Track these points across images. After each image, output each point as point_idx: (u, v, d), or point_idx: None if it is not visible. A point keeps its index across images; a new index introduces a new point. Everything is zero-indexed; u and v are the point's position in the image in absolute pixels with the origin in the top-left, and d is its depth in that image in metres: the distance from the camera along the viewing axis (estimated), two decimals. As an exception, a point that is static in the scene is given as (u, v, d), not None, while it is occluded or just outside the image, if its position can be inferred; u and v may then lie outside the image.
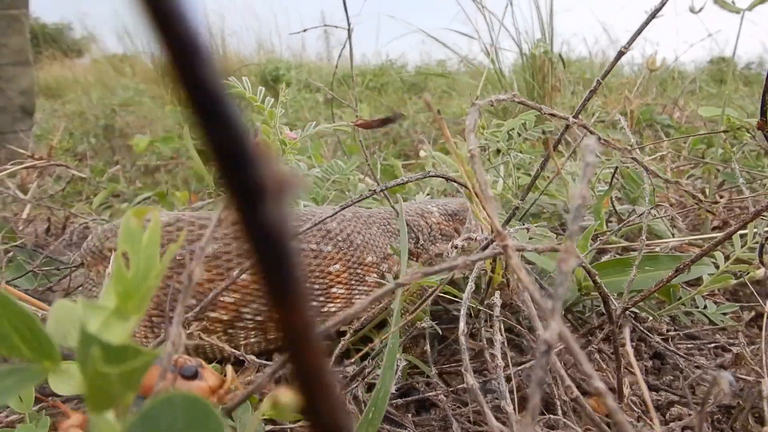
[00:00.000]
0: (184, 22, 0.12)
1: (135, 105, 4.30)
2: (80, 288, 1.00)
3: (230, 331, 0.80)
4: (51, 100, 5.42)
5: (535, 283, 0.30)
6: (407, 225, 0.93)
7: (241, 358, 0.70)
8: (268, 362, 0.72)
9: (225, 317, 0.79)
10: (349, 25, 1.16)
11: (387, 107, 3.94)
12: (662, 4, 0.59)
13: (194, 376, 0.42)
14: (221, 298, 0.78)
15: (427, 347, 0.77)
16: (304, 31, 1.49)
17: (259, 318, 0.80)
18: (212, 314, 0.78)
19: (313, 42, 7.23)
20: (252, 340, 0.82)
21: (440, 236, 1.00)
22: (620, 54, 0.61)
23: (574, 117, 0.56)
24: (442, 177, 0.74)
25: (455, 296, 0.75)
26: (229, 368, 0.44)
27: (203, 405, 0.19)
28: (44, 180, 2.18)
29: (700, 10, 1.50)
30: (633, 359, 0.42)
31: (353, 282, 0.86)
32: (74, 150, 2.96)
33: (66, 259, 1.20)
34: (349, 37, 1.17)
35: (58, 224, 1.56)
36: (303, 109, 3.61)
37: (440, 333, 0.80)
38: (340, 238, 0.85)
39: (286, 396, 0.31)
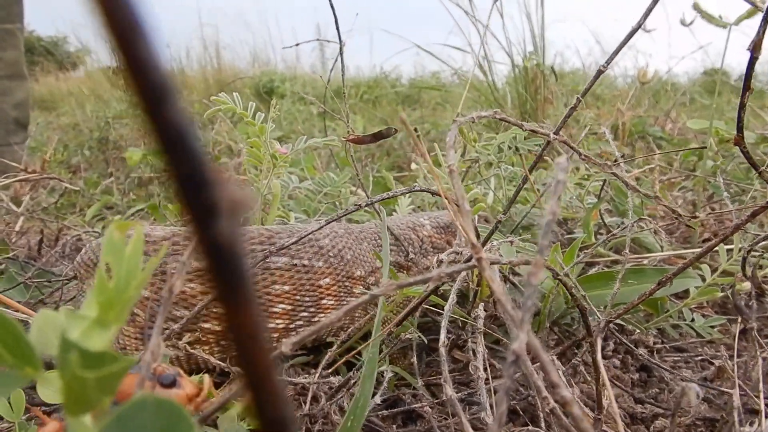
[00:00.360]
0: (155, 67, 0.13)
1: (129, 117, 4.31)
2: (73, 300, 1.01)
3: (223, 342, 0.81)
4: (45, 112, 5.43)
5: (507, 295, 0.31)
6: (398, 238, 0.94)
7: (227, 369, 0.71)
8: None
9: (217, 327, 0.80)
10: (340, 39, 1.17)
11: (381, 119, 3.97)
12: (640, 23, 0.61)
13: (172, 384, 0.43)
14: (214, 309, 0.79)
15: (414, 359, 0.78)
16: (297, 45, 1.51)
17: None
18: (205, 325, 0.79)
19: (307, 54, 7.27)
20: None
21: (432, 249, 1.01)
22: (599, 72, 0.62)
23: (555, 133, 0.57)
24: (428, 191, 0.75)
25: (444, 308, 0.76)
26: (206, 377, 0.45)
27: (175, 408, 0.20)
28: (38, 192, 2.18)
29: (691, 23, 1.53)
30: (603, 370, 0.43)
31: (342, 294, 0.87)
32: (68, 162, 2.96)
33: (58, 271, 1.20)
34: (341, 52, 1.18)
35: (51, 236, 1.56)
36: (297, 121, 3.62)
37: (427, 344, 0.81)
38: (331, 254, 0.86)
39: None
